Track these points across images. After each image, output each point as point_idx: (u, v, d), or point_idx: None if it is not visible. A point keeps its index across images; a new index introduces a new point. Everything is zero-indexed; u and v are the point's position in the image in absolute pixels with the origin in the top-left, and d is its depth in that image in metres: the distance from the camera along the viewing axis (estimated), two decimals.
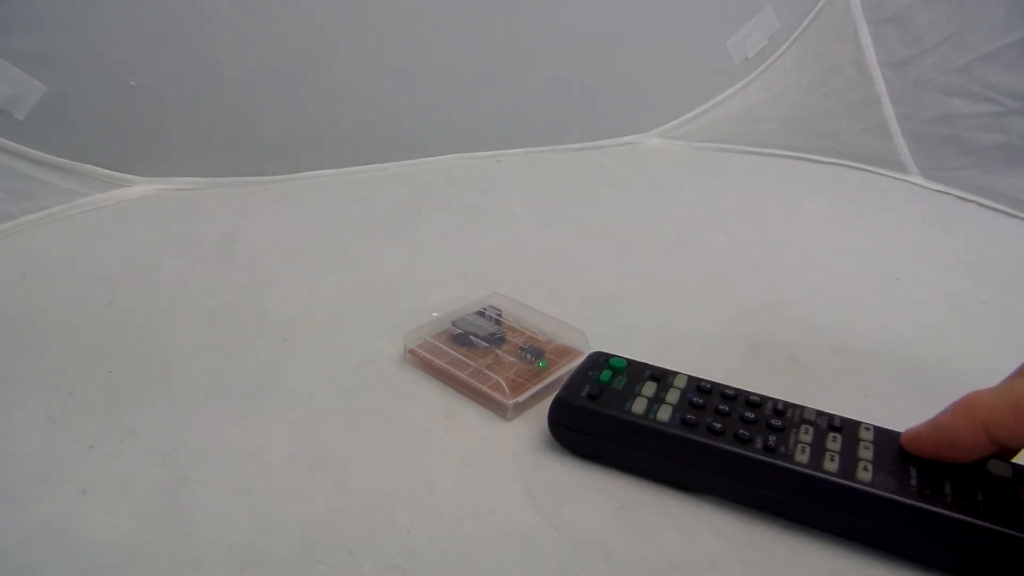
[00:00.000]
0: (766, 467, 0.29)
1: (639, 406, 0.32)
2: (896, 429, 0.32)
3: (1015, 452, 0.29)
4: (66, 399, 0.37)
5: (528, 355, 0.40)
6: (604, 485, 0.32)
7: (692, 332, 0.46)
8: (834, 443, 0.30)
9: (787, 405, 0.33)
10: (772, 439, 0.30)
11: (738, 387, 0.34)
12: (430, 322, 0.43)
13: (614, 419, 0.32)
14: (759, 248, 0.60)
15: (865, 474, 0.28)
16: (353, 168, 0.73)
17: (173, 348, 0.42)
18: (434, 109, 0.76)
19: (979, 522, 0.27)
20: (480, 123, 0.80)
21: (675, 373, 0.35)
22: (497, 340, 0.42)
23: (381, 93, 0.73)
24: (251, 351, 0.42)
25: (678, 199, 0.72)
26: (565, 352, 0.41)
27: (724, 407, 0.32)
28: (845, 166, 0.83)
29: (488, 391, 0.37)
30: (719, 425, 0.31)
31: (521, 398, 0.37)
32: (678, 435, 0.31)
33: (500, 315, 0.44)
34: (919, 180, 0.77)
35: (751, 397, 0.33)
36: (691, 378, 0.35)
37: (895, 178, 0.79)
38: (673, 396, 0.33)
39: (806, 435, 0.31)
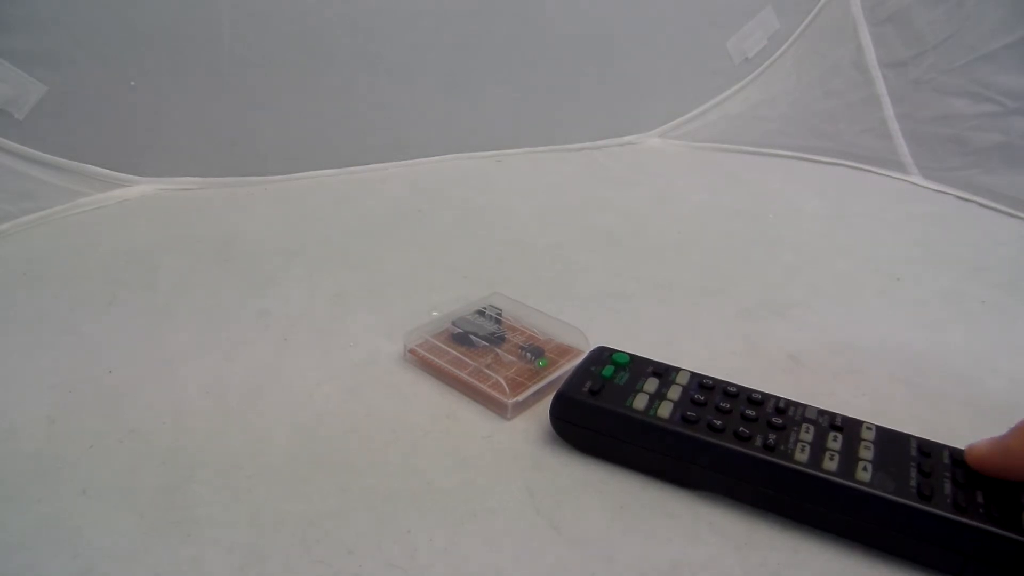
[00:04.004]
0: (765, 465, 0.29)
1: (640, 402, 0.32)
2: (896, 429, 0.32)
3: None
4: (66, 399, 0.37)
5: (528, 354, 0.40)
6: (604, 485, 0.32)
7: (692, 332, 0.46)
8: (835, 442, 0.30)
9: (789, 403, 0.33)
10: (772, 437, 0.30)
11: (741, 384, 0.34)
12: (430, 322, 0.43)
13: (615, 414, 0.32)
14: (759, 248, 0.60)
15: (864, 474, 0.28)
16: (353, 168, 0.73)
17: (173, 348, 0.42)
18: (434, 109, 0.76)
19: (978, 524, 0.26)
20: (480, 123, 0.80)
21: (678, 369, 0.35)
22: (497, 339, 0.42)
23: (381, 93, 0.73)
24: (251, 351, 0.42)
25: (678, 199, 0.72)
26: (565, 351, 0.41)
27: (725, 404, 0.32)
28: (845, 166, 0.83)
29: (488, 390, 0.37)
30: (719, 422, 0.31)
31: (521, 397, 0.37)
32: (678, 431, 0.31)
33: (500, 315, 0.44)
34: (919, 180, 0.77)
35: (753, 395, 0.33)
36: (693, 374, 0.35)
37: (895, 178, 0.79)
38: (675, 392, 0.33)
39: (807, 434, 0.31)
